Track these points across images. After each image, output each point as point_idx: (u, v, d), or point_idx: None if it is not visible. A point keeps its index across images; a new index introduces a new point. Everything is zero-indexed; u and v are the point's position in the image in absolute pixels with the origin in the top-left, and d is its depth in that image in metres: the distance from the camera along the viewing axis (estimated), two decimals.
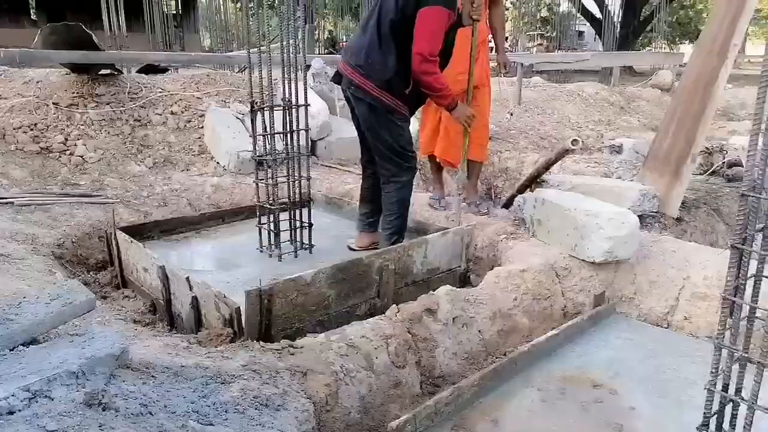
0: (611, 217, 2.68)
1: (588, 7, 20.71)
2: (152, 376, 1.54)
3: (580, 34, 26.11)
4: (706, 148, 4.77)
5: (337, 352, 1.94)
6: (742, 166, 4.34)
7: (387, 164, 3.00)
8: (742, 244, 1.34)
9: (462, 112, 3.01)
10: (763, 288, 1.39)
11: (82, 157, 4.37)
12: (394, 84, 2.84)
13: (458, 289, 2.55)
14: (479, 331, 2.43)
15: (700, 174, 4.58)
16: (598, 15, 19.75)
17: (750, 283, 1.38)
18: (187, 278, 2.37)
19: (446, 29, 2.75)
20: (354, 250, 3.22)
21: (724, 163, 4.58)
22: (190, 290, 2.37)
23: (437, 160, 3.78)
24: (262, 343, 1.98)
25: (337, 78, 3.06)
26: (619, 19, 18.35)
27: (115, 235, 2.96)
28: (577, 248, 2.78)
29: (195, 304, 2.35)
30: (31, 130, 4.45)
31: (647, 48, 20.90)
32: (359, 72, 2.87)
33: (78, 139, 4.50)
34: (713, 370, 1.42)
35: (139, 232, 3.20)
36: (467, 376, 2.16)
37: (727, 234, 3.72)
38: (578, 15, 18.21)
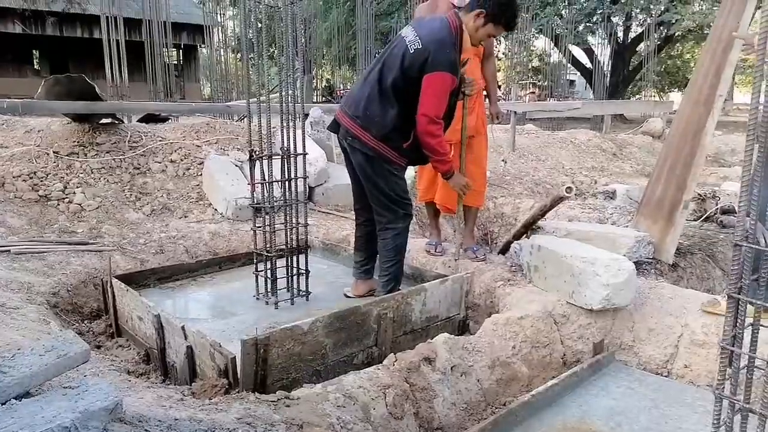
0: (608, 264, 2.69)
1: (578, 57, 21.33)
2: (145, 430, 1.51)
3: (572, 82, 26.77)
4: (699, 194, 4.83)
5: (334, 403, 1.91)
6: (735, 213, 4.38)
7: (383, 211, 3.03)
8: (738, 294, 1.35)
9: (458, 181, 3.10)
10: (762, 336, 1.39)
11: (80, 204, 4.39)
12: (392, 137, 2.88)
13: (456, 337, 2.53)
14: (478, 380, 2.39)
15: (694, 220, 4.62)
16: (589, 65, 20.32)
17: (748, 331, 1.38)
18: (182, 327, 2.35)
19: (450, 92, 2.83)
20: (351, 297, 3.21)
21: (717, 209, 4.63)
22: (185, 339, 2.34)
23: (436, 206, 3.82)
24: (257, 394, 1.95)
25: (334, 126, 3.11)
26: (609, 69, 18.87)
27: (110, 283, 2.95)
28: (574, 295, 2.78)
29: (190, 353, 2.32)
30: (31, 178, 4.49)
31: (637, 96, 21.42)
32: (357, 123, 2.92)
33: (77, 187, 4.53)
34: (715, 421, 1.40)
35: (135, 280, 3.19)
36: (466, 427, 2.12)
37: (723, 280, 3.73)
38: (569, 65, 18.72)
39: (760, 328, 1.38)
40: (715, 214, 4.61)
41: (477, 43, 3.06)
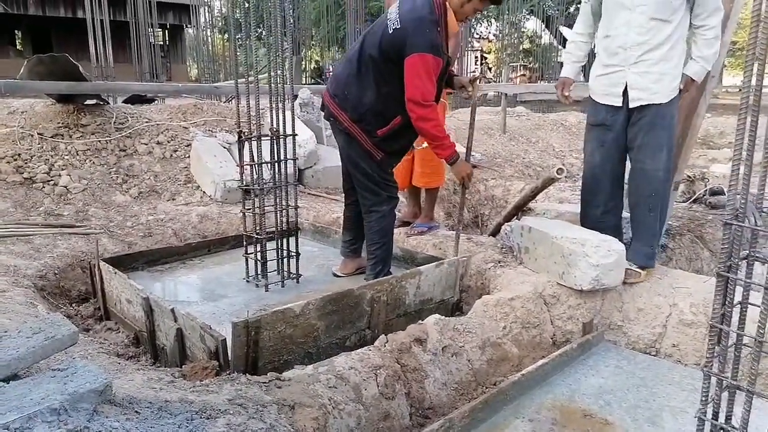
0: (597, 245, 2.70)
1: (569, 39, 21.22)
2: (136, 412, 1.50)
3: (562, 65, 26.67)
4: (688, 176, 4.85)
5: (326, 384, 1.91)
6: (724, 194, 4.41)
7: (366, 194, 2.99)
8: (727, 272, 1.36)
9: (463, 168, 2.96)
10: (749, 314, 1.41)
11: (66, 187, 4.33)
12: (366, 119, 2.82)
13: (447, 318, 2.54)
14: (469, 360, 2.41)
15: (683, 201, 4.65)
16: None
17: (736, 310, 1.39)
18: (172, 309, 2.34)
19: (437, 74, 2.71)
20: (339, 276, 3.21)
21: (706, 190, 4.65)
22: (175, 322, 2.33)
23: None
24: (248, 376, 1.95)
25: (323, 107, 3.08)
26: None
27: (98, 266, 2.92)
28: (564, 276, 2.79)
29: (179, 336, 2.31)
30: (15, 160, 4.41)
31: None
32: (336, 102, 2.89)
33: (62, 169, 4.46)
34: (703, 398, 1.41)
35: (124, 263, 3.15)
36: (457, 406, 2.14)
37: (712, 261, 3.76)
38: (560, 47, 18.65)
39: (749, 306, 1.39)
40: (704, 195, 4.64)
41: (463, 18, 2.99)
